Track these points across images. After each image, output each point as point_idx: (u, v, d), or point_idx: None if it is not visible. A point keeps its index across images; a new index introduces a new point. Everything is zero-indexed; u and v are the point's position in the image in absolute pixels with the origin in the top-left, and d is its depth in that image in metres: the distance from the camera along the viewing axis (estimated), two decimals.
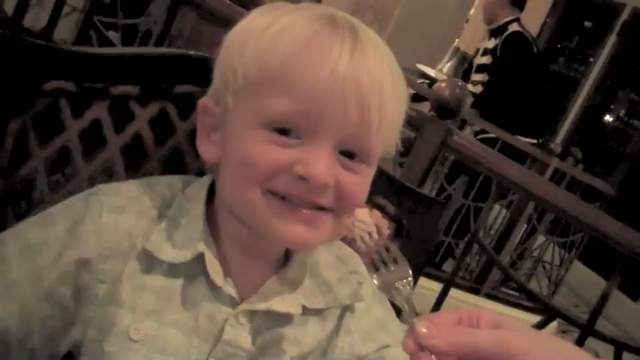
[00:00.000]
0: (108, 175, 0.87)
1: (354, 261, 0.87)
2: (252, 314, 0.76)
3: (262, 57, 0.70)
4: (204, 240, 0.74)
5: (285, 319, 0.78)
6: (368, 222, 0.74)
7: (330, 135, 0.70)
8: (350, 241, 0.75)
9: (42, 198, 0.83)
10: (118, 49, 0.90)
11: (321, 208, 0.72)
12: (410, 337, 0.62)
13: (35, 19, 3.35)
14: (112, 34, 3.51)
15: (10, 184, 0.82)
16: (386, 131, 0.73)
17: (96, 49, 0.87)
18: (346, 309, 0.84)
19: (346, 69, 0.69)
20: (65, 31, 3.25)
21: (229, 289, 0.75)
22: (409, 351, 0.62)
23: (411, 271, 0.70)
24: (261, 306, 0.76)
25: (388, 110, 0.72)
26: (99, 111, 0.86)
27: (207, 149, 0.77)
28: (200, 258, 0.74)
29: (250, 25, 0.74)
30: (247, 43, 0.72)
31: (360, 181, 0.74)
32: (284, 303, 0.77)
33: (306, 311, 0.79)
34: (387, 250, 0.71)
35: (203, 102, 0.77)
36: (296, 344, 0.79)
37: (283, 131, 0.70)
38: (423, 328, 0.61)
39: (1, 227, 0.77)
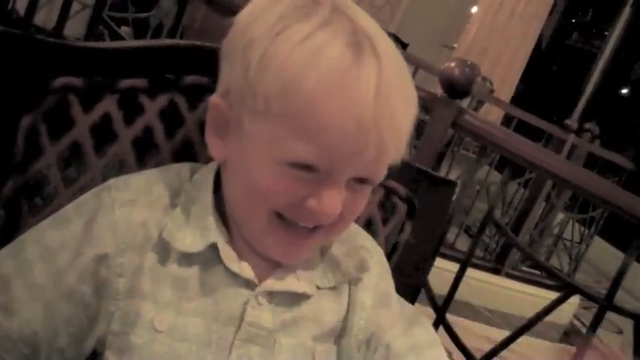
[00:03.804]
0: (120, 168, 0.88)
1: (361, 236, 0.89)
2: (271, 294, 0.77)
3: (288, 88, 0.67)
4: (214, 228, 0.75)
5: (303, 297, 0.80)
6: None
7: (346, 174, 0.71)
8: None
9: (56, 193, 0.85)
10: (125, 43, 0.91)
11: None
12: None
13: (47, 17, 3.38)
14: (125, 29, 3.52)
15: (24, 179, 0.84)
16: (395, 157, 0.74)
17: (102, 44, 0.88)
18: (355, 282, 0.85)
19: (370, 118, 0.67)
20: (78, 28, 3.27)
21: (246, 273, 0.76)
22: None
23: None
24: (280, 286, 0.77)
25: (402, 142, 0.72)
26: (108, 105, 0.87)
27: (215, 145, 0.76)
28: (213, 246, 0.75)
29: (274, 34, 0.69)
30: (271, 62, 0.68)
31: (363, 198, 0.76)
32: (299, 283, 0.79)
33: (319, 290, 0.81)
34: None
35: (215, 101, 0.75)
36: (316, 322, 0.80)
37: (302, 167, 0.69)
38: None
39: (17, 222, 0.79)
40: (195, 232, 0.75)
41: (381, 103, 0.68)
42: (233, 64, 0.73)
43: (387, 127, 0.69)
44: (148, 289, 0.73)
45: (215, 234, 0.75)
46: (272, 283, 0.77)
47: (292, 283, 0.79)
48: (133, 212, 0.75)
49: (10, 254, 0.74)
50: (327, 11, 0.70)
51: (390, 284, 0.90)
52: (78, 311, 0.73)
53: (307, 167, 0.69)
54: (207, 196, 0.77)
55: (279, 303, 0.78)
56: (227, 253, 0.75)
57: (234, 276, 0.76)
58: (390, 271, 0.91)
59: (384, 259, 0.91)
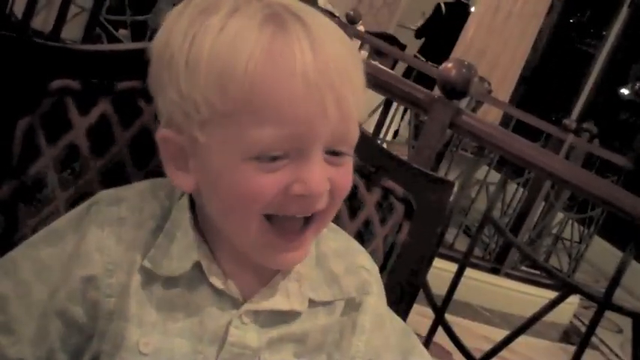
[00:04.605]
0: (117, 170, 0.88)
1: (358, 252, 0.88)
2: (256, 313, 0.76)
3: (224, 82, 0.65)
4: (196, 248, 0.74)
5: (292, 315, 0.78)
6: None
7: (317, 145, 0.68)
8: None
9: (53, 195, 0.85)
10: (122, 45, 0.91)
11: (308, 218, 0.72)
12: None
13: (45, 20, 3.38)
14: (122, 32, 3.52)
15: (21, 182, 0.84)
16: (359, 111, 0.71)
17: (99, 46, 0.89)
18: (353, 304, 0.83)
19: (315, 72, 0.65)
20: (76, 32, 3.27)
21: (231, 291, 0.75)
22: None
23: None
24: (265, 305, 0.76)
25: (359, 92, 0.70)
26: (105, 107, 0.88)
27: (180, 179, 0.73)
28: (198, 266, 0.74)
29: (190, 38, 0.67)
30: (197, 64, 0.66)
31: (347, 172, 0.73)
32: (288, 300, 0.77)
33: (313, 305, 0.79)
34: None
35: (161, 135, 0.72)
36: (302, 339, 0.79)
37: (270, 157, 0.67)
38: None
39: (14, 225, 0.79)
40: (179, 255, 0.73)
41: (321, 56, 0.66)
42: (163, 89, 0.70)
43: (336, 76, 0.67)
44: (134, 311, 0.72)
45: (198, 252, 0.74)
46: (257, 302, 0.76)
47: (280, 300, 0.77)
48: (122, 232, 0.73)
49: (5, 273, 0.73)
50: (231, 2, 0.68)
51: (384, 303, 0.89)
52: (72, 330, 0.72)
53: (275, 156, 0.67)
54: (186, 217, 0.75)
55: (265, 322, 0.76)
56: (212, 270, 0.74)
57: (220, 294, 0.74)
58: (383, 287, 0.89)
59: (379, 277, 0.89)
